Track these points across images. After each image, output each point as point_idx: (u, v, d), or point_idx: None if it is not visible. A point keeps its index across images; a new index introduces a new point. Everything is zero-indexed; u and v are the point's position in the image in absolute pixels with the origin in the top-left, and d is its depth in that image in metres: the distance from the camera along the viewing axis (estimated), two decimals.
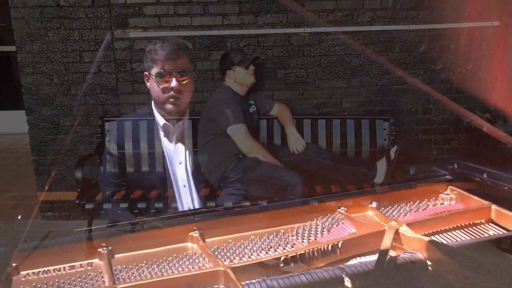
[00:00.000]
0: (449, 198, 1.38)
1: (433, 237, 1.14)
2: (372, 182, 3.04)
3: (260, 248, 1.06)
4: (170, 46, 1.69)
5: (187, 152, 1.88)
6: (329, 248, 1.01)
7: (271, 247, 1.07)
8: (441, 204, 1.37)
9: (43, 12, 3.27)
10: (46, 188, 3.54)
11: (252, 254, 1.05)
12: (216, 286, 0.89)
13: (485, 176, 1.38)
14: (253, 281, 0.89)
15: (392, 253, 1.04)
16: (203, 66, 3.39)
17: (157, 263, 0.99)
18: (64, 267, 0.98)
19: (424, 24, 3.38)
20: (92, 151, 3.28)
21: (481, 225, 1.22)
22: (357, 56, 3.43)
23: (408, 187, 1.38)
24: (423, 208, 1.33)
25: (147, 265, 0.98)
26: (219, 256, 1.00)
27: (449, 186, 1.41)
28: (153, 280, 0.91)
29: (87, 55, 3.35)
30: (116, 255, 1.03)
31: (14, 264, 0.97)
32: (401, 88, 3.50)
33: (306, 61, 3.42)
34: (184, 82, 1.70)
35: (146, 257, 1.01)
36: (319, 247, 1.01)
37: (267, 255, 1.04)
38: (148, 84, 1.77)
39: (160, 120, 1.81)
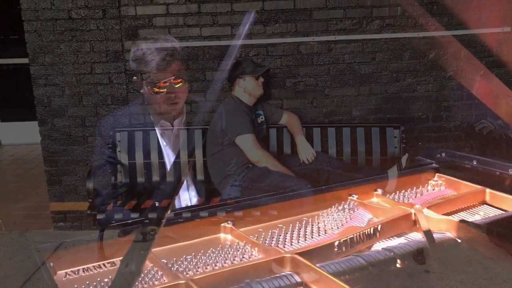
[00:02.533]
0: (438, 184, 1.50)
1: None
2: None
3: (298, 236, 1.10)
4: (159, 54, 1.62)
5: (184, 146, 1.86)
6: (371, 231, 1.07)
7: (307, 234, 1.11)
8: (433, 190, 1.48)
9: (55, 25, 3.33)
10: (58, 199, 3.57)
11: (297, 241, 1.08)
12: (283, 272, 0.91)
13: (475, 163, 1.52)
14: (323, 264, 0.92)
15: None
16: (213, 76, 3.41)
17: (207, 254, 1.00)
18: (104, 264, 0.99)
19: (433, 31, 3.37)
20: (103, 161, 3.31)
21: (478, 207, 1.35)
22: (366, 64, 3.42)
23: (400, 176, 1.52)
24: (420, 194, 1.44)
25: (198, 256, 0.98)
26: (266, 244, 1.02)
27: (436, 174, 1.54)
28: (225, 269, 0.92)
29: (98, 66, 3.40)
30: (153, 249, 1.03)
31: (51, 264, 0.96)
32: (411, 96, 3.48)
33: (315, 69, 3.43)
34: (178, 85, 1.66)
35: (186, 249, 1.02)
36: (364, 231, 1.06)
37: (312, 241, 1.08)
38: (141, 89, 1.73)
39: (156, 119, 1.79)
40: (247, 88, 3.04)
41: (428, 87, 3.47)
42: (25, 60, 3.67)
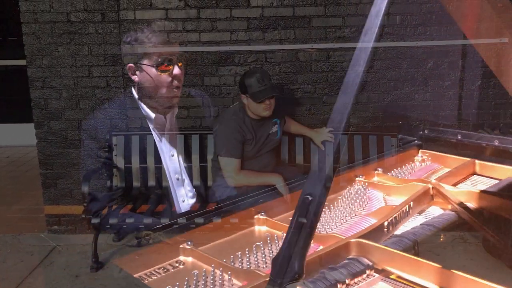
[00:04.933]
0: (424, 160, 1.55)
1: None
2: None
3: (332, 220, 1.11)
4: (162, 31, 1.58)
5: (178, 144, 1.81)
6: (407, 210, 1.11)
7: (341, 218, 1.12)
8: (421, 165, 1.52)
9: (53, 27, 3.32)
10: (53, 202, 3.55)
11: (335, 225, 1.09)
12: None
13: (460, 137, 1.61)
14: (386, 242, 0.95)
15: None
16: (211, 82, 3.41)
17: (262, 248, 0.99)
18: (155, 270, 0.94)
19: (432, 41, 3.39)
20: (99, 165, 3.29)
21: (470, 177, 1.41)
22: (364, 72, 3.42)
23: (389, 156, 1.66)
24: (412, 170, 1.49)
25: (256, 250, 0.98)
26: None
27: (420, 150, 1.61)
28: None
29: (96, 70, 3.39)
30: (200, 248, 1.01)
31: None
32: (409, 104, 3.49)
33: (314, 76, 3.43)
34: (181, 66, 1.59)
35: (228, 245, 1.02)
36: (403, 210, 1.09)
37: (350, 224, 1.08)
38: (135, 77, 1.62)
39: (151, 113, 1.68)
40: (250, 107, 2.77)
41: (426, 96, 3.48)
42: (22, 62, 3.66)
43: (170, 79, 1.57)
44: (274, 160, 3.04)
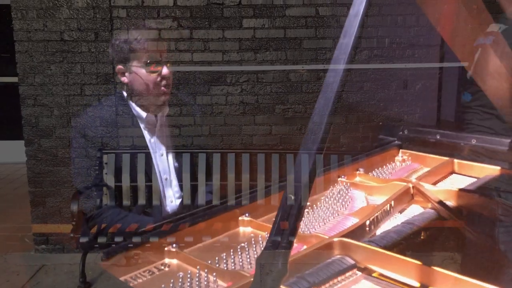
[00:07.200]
0: (404, 160, 1.57)
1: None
2: None
3: (315, 220, 1.11)
4: (148, 33, 1.63)
5: (168, 144, 1.82)
6: (388, 209, 1.12)
7: (324, 218, 1.12)
8: (401, 165, 1.53)
9: (47, 46, 3.34)
10: (41, 220, 3.50)
11: (319, 225, 1.09)
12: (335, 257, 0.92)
13: (439, 137, 1.61)
14: (370, 239, 0.95)
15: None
16: (203, 101, 3.43)
17: (247, 249, 1.00)
18: (140, 273, 0.94)
19: (420, 63, 3.45)
20: (89, 183, 3.27)
21: (449, 176, 1.42)
22: (354, 93, 3.48)
23: (371, 155, 1.58)
24: (393, 169, 1.49)
25: (240, 251, 0.99)
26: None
27: (400, 150, 1.63)
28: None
29: (88, 88, 3.40)
30: (185, 250, 1.01)
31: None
32: (399, 125, 3.53)
33: (304, 97, 3.47)
34: (169, 66, 1.64)
35: (214, 247, 1.03)
36: (384, 209, 1.10)
37: (333, 223, 1.09)
38: (124, 78, 1.69)
39: (142, 112, 1.77)
40: None
41: (415, 117, 3.53)
42: (14, 79, 3.66)
43: (159, 79, 1.61)
44: None
